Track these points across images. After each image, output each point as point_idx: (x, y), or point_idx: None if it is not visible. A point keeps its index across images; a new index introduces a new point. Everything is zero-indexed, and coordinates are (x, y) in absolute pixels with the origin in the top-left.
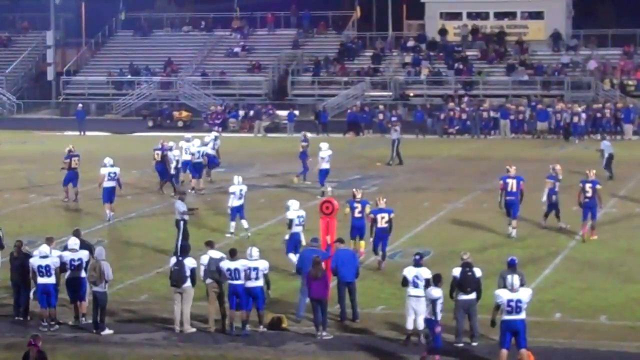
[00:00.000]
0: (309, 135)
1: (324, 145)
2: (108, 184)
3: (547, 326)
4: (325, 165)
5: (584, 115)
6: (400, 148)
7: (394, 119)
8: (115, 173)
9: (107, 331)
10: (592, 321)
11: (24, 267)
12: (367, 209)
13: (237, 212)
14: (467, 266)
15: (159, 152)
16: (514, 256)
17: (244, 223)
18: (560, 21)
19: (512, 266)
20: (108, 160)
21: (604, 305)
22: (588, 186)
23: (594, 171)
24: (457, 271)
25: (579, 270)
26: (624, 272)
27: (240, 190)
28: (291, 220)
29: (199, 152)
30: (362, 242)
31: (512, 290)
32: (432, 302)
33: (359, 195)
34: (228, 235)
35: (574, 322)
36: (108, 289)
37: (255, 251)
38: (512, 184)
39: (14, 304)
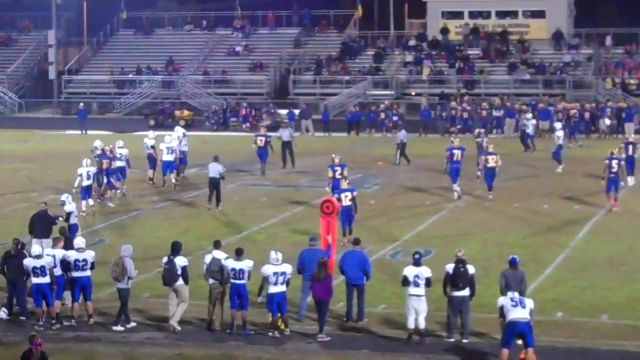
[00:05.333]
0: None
1: (168, 138)
2: (118, 163)
3: (548, 325)
4: (167, 157)
5: (533, 122)
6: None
7: (395, 118)
8: (122, 154)
9: (119, 327)
10: (593, 320)
11: (20, 266)
12: (345, 172)
13: (87, 192)
14: (460, 262)
15: (262, 139)
16: (515, 255)
17: (90, 201)
18: (561, 20)
19: (513, 265)
20: (118, 142)
21: (606, 305)
22: (614, 162)
23: (617, 149)
24: (450, 267)
25: (581, 269)
26: (625, 271)
27: (87, 172)
28: (69, 213)
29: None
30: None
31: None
32: None
33: (337, 160)
34: (82, 214)
35: (575, 321)
36: (130, 285)
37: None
38: (457, 154)
39: (7, 302)
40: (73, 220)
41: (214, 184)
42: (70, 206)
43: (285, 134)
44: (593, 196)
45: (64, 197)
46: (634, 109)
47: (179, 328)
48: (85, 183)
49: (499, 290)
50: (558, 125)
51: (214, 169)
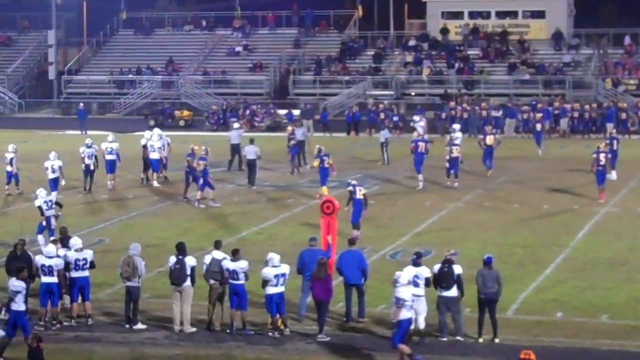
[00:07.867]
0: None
1: (154, 136)
2: (109, 157)
3: (548, 325)
4: (153, 155)
5: (422, 124)
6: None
7: (395, 118)
8: (112, 148)
9: (140, 325)
10: (593, 320)
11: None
12: (330, 160)
13: (54, 184)
14: (446, 262)
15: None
16: (491, 255)
17: (54, 194)
18: (561, 20)
19: (488, 264)
20: (109, 137)
21: (606, 305)
22: (602, 156)
23: (604, 143)
24: (436, 267)
25: (581, 269)
26: (625, 271)
27: (52, 165)
28: (40, 207)
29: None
30: (324, 188)
31: (405, 285)
32: None
33: (324, 150)
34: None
35: (575, 322)
36: (140, 283)
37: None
38: (421, 145)
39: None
40: (47, 213)
41: (252, 165)
42: (37, 201)
43: (299, 133)
44: (593, 196)
45: (37, 191)
46: (614, 108)
47: (194, 329)
48: (51, 176)
49: (476, 289)
50: (457, 126)
51: (251, 151)
